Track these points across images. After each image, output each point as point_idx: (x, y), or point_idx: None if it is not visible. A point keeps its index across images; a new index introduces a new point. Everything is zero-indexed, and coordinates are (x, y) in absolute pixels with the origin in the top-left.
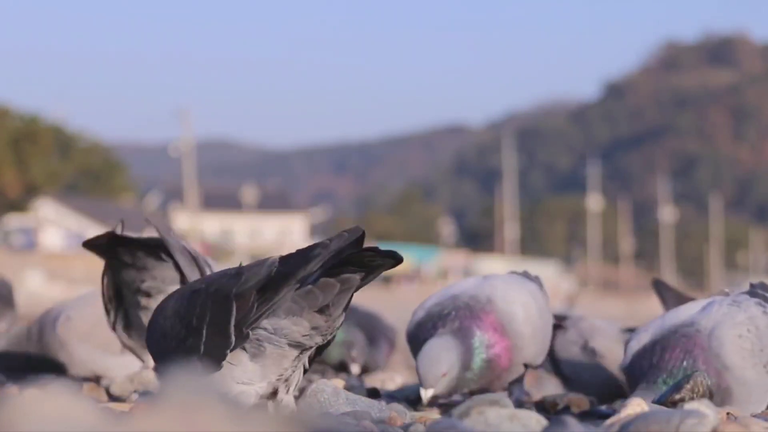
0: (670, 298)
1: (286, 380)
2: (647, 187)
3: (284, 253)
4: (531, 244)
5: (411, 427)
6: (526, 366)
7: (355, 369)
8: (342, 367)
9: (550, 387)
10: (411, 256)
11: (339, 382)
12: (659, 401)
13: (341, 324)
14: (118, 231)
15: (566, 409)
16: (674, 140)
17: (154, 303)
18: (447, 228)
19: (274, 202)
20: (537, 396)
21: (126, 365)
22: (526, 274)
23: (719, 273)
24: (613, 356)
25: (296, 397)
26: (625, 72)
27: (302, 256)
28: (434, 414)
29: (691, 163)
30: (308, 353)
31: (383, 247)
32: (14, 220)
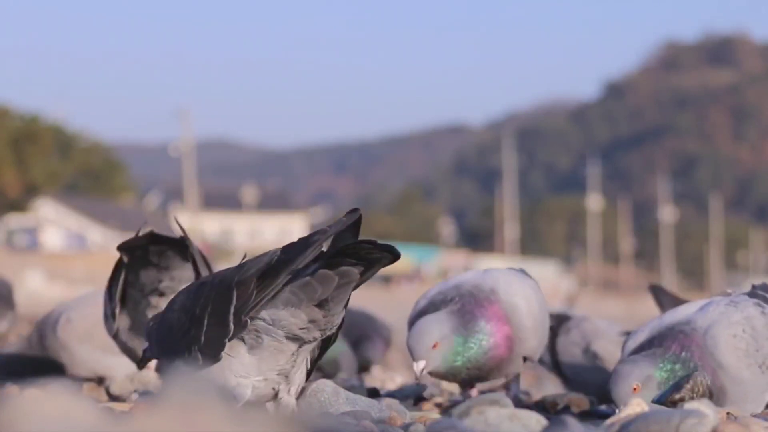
0: (668, 303)
1: (287, 377)
2: (647, 187)
3: None
4: (531, 244)
5: (411, 427)
6: (525, 359)
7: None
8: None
9: (550, 387)
10: (411, 256)
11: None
12: (659, 401)
13: (341, 322)
14: (145, 231)
15: (566, 409)
16: (674, 140)
17: (165, 303)
18: (447, 228)
19: (274, 202)
20: (537, 396)
21: (126, 365)
22: (523, 272)
23: (719, 273)
24: (614, 357)
25: (297, 398)
26: (625, 72)
27: (302, 242)
28: (434, 414)
29: (691, 163)
30: (307, 349)
31: None
32: (15, 220)
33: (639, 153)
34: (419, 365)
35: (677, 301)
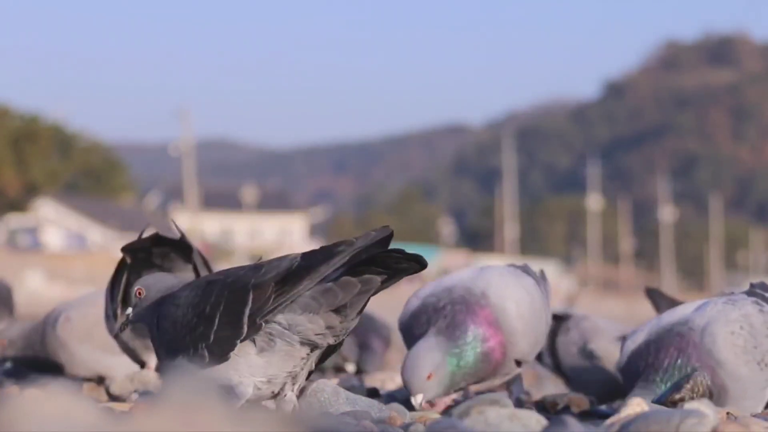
0: (665, 306)
1: (294, 378)
2: (647, 187)
3: (283, 253)
4: (531, 244)
5: (411, 427)
6: (518, 363)
7: (350, 368)
8: (338, 370)
9: (550, 387)
10: None
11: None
12: (659, 401)
13: (354, 326)
14: (149, 233)
15: (566, 409)
16: (674, 140)
17: None
18: (447, 228)
19: (274, 202)
20: (537, 396)
21: (126, 365)
22: (525, 268)
23: (719, 273)
24: (614, 357)
25: (298, 397)
26: (625, 71)
27: (325, 252)
28: (434, 414)
29: (691, 163)
30: (317, 354)
31: None
32: (15, 220)
33: (639, 153)
34: (417, 399)
35: (674, 304)
